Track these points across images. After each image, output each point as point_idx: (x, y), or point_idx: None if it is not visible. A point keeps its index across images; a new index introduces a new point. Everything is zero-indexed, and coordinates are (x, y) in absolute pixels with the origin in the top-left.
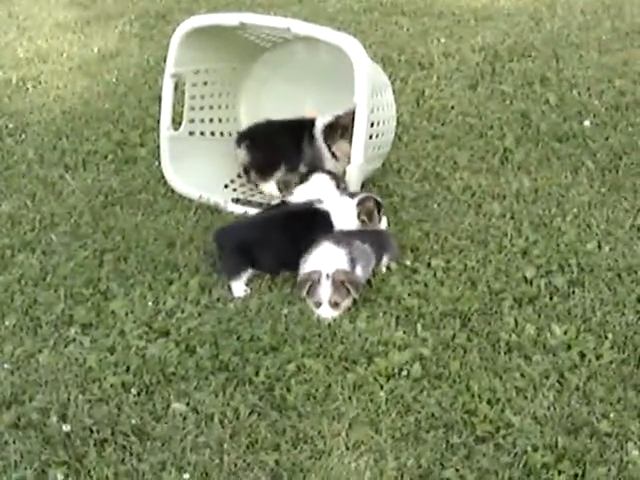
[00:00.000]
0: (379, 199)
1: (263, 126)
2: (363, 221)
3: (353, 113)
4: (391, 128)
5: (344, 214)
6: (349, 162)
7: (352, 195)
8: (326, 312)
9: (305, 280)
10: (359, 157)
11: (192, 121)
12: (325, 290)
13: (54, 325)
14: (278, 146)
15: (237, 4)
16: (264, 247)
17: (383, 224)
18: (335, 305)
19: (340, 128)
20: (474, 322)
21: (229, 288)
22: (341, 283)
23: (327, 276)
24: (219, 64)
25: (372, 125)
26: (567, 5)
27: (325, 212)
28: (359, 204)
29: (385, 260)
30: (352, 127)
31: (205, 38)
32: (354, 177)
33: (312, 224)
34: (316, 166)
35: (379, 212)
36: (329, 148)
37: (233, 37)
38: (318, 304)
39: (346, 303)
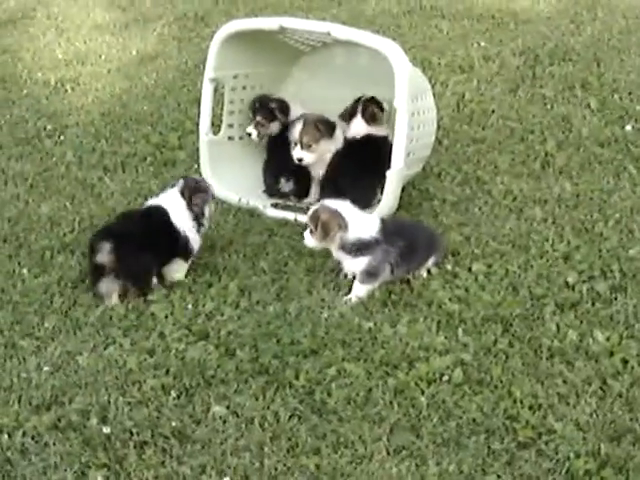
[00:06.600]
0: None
1: None
2: None
3: None
4: (431, 132)
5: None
6: None
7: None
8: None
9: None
10: (399, 162)
11: (231, 126)
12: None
13: (94, 327)
14: None
15: (275, 7)
16: None
17: None
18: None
19: None
20: (516, 327)
21: None
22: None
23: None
24: (258, 68)
25: (412, 129)
26: (608, 9)
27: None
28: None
29: (431, 261)
30: None
31: (244, 42)
32: (394, 182)
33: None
34: None
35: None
36: None
37: (272, 41)
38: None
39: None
